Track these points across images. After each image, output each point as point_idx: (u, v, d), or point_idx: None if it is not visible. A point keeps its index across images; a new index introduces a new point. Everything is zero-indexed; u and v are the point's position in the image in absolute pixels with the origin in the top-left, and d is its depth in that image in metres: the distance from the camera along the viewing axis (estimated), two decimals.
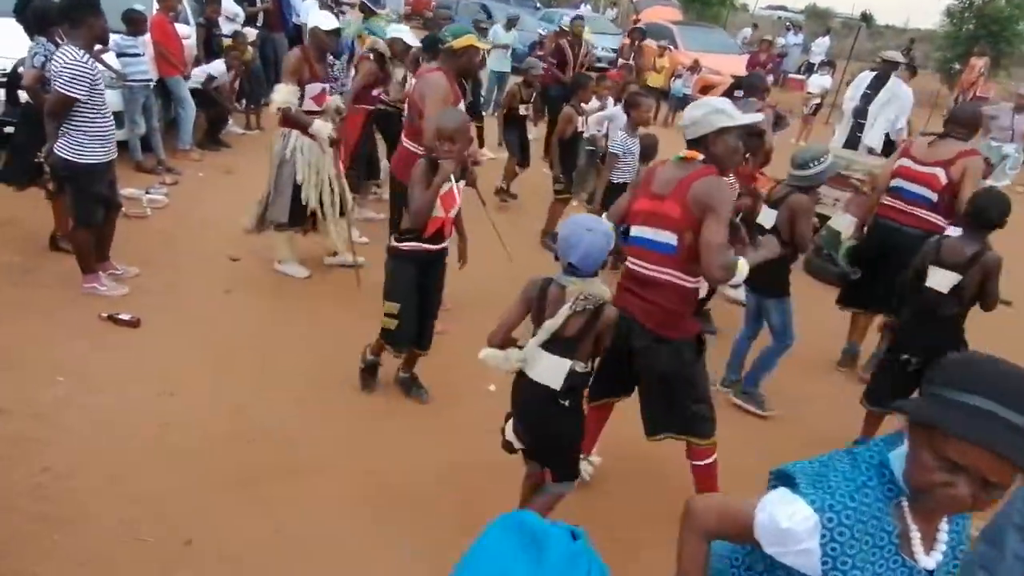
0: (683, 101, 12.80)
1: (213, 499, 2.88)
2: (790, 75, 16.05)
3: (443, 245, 3.50)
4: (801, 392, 4.37)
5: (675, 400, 2.85)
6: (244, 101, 8.61)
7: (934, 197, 4.18)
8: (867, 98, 7.53)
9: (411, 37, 6.10)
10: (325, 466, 3.17)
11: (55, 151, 3.90)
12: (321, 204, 4.77)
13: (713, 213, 2.55)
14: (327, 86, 4.76)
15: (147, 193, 5.89)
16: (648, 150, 5.45)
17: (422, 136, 3.99)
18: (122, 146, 6.19)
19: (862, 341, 4.80)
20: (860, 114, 7.58)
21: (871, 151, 7.41)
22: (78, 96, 3.79)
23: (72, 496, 2.75)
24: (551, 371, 2.38)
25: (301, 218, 4.83)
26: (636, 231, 2.76)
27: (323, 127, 4.56)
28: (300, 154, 4.63)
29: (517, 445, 2.58)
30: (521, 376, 2.47)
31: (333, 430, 3.44)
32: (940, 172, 4.14)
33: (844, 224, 4.71)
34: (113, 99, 5.42)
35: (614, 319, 2.39)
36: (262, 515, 2.84)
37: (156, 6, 6.77)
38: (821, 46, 16.67)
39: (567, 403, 2.43)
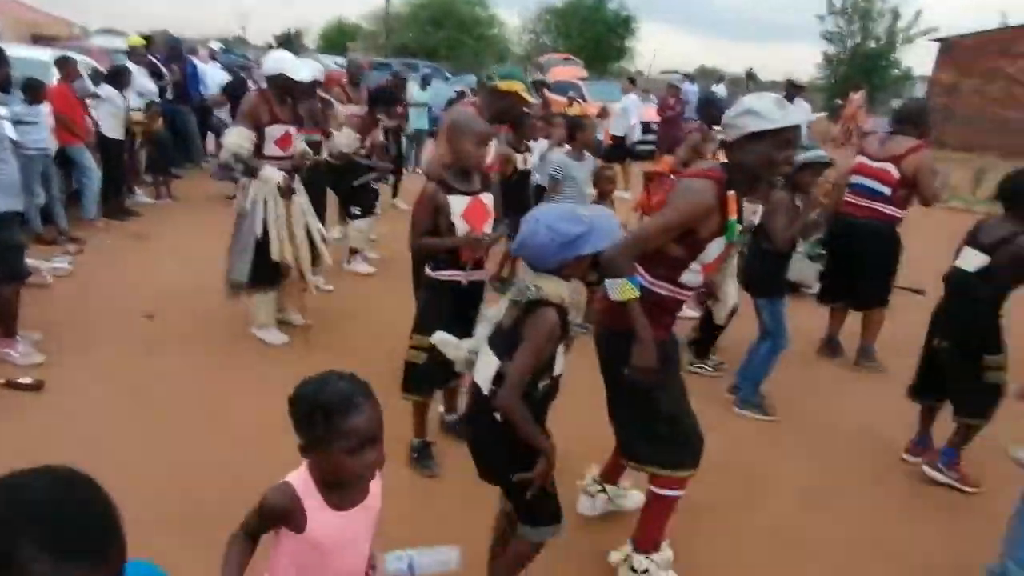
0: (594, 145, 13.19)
1: (149, 544, 2.50)
2: (691, 120, 16.91)
3: (482, 274, 3.15)
4: (793, 387, 4.28)
5: (632, 410, 2.47)
6: (152, 173, 8.28)
7: (887, 191, 4.37)
8: None
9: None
10: None
11: None
12: (298, 259, 4.37)
13: (663, 208, 2.41)
14: (293, 129, 4.35)
15: (48, 262, 5.44)
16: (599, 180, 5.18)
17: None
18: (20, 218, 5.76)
19: (839, 331, 4.90)
20: None
21: None
22: None
23: None
24: (483, 368, 2.03)
25: (270, 276, 4.35)
26: None
27: (272, 173, 4.13)
28: (261, 206, 4.21)
29: None
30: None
31: (282, 472, 3.11)
32: (891, 167, 4.35)
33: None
34: None
35: (546, 323, 1.92)
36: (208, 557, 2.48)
37: (57, 75, 6.47)
38: (720, 91, 17.78)
39: (499, 416, 1.96)
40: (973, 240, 3.25)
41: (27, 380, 3.63)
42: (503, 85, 3.55)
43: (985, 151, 16.34)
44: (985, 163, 13.17)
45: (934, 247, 5.13)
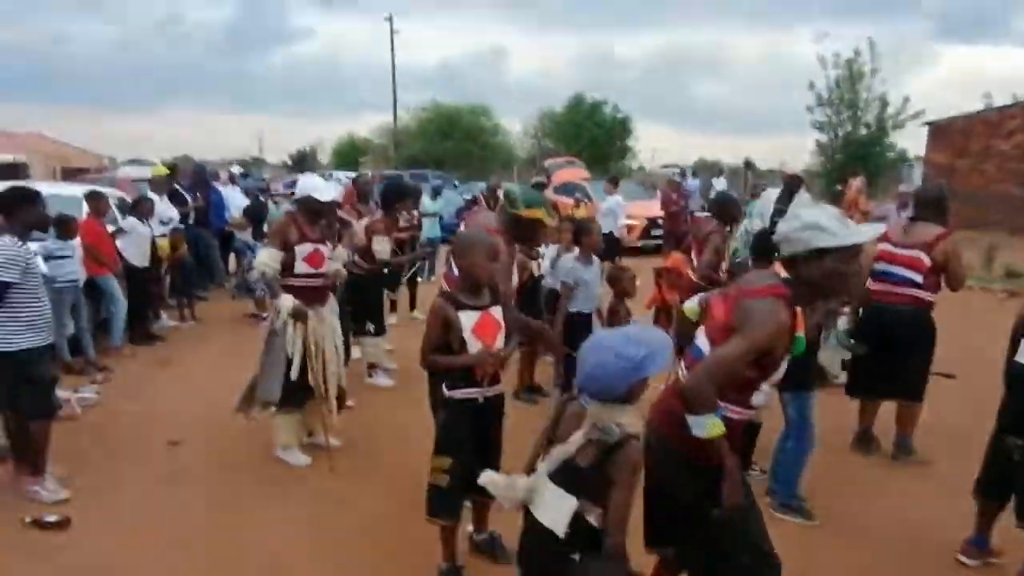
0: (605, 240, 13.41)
1: None
2: (695, 214, 17.29)
3: (498, 389, 3.10)
4: (831, 486, 4.15)
5: (712, 539, 2.35)
6: (176, 296, 8.50)
7: (919, 278, 4.31)
8: (779, 212, 8.14)
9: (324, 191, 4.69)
10: None
11: None
12: (325, 380, 4.44)
13: (738, 333, 2.23)
14: (321, 247, 4.51)
15: (76, 393, 5.51)
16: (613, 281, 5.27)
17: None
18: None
19: (873, 424, 4.74)
20: (774, 226, 8.13)
21: None
22: (10, 280, 3.68)
23: None
24: (554, 509, 1.95)
25: (297, 398, 4.41)
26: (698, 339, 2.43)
27: (285, 301, 4.24)
28: (291, 327, 4.31)
29: None
30: (528, 514, 2.05)
31: None
32: (922, 255, 4.29)
33: None
34: None
35: (637, 460, 1.93)
36: None
37: (86, 209, 6.79)
38: (720, 183, 18.33)
39: (578, 558, 1.90)
40: None
41: (53, 518, 3.62)
42: (526, 213, 3.59)
43: (989, 228, 16.48)
44: (993, 240, 13.24)
45: (958, 328, 5.15)
